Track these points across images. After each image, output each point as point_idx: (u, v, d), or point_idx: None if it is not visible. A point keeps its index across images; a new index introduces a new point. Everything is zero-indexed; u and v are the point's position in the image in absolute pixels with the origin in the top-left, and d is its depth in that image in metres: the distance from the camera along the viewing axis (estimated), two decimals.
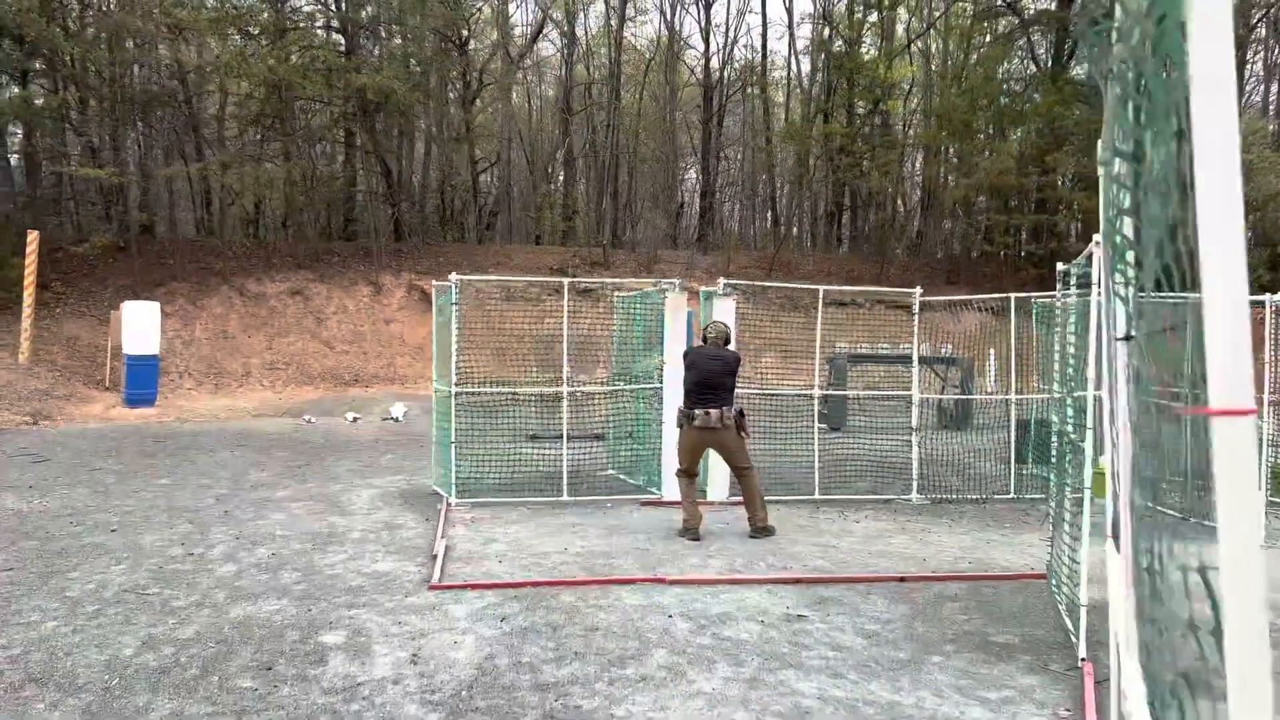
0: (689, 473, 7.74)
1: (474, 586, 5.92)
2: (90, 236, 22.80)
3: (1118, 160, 1.64)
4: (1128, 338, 1.54)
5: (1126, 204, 1.56)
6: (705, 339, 7.79)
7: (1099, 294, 2.53)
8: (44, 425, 14.66)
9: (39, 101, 24.25)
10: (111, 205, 24.36)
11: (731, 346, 7.97)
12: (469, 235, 31.82)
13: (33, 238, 18.75)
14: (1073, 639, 4.96)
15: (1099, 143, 2.50)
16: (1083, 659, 4.72)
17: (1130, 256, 1.51)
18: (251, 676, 4.36)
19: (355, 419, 15.92)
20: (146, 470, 10.37)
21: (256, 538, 7.23)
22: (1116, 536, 2.67)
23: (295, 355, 22.84)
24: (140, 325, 17.34)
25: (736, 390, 7.79)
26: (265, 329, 23.30)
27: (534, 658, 4.68)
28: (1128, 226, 1.53)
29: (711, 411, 7.37)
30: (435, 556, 6.59)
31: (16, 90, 24.44)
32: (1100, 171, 2.56)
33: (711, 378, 7.46)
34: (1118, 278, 1.45)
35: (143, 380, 17.29)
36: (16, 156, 27.05)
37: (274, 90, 25.18)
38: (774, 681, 4.44)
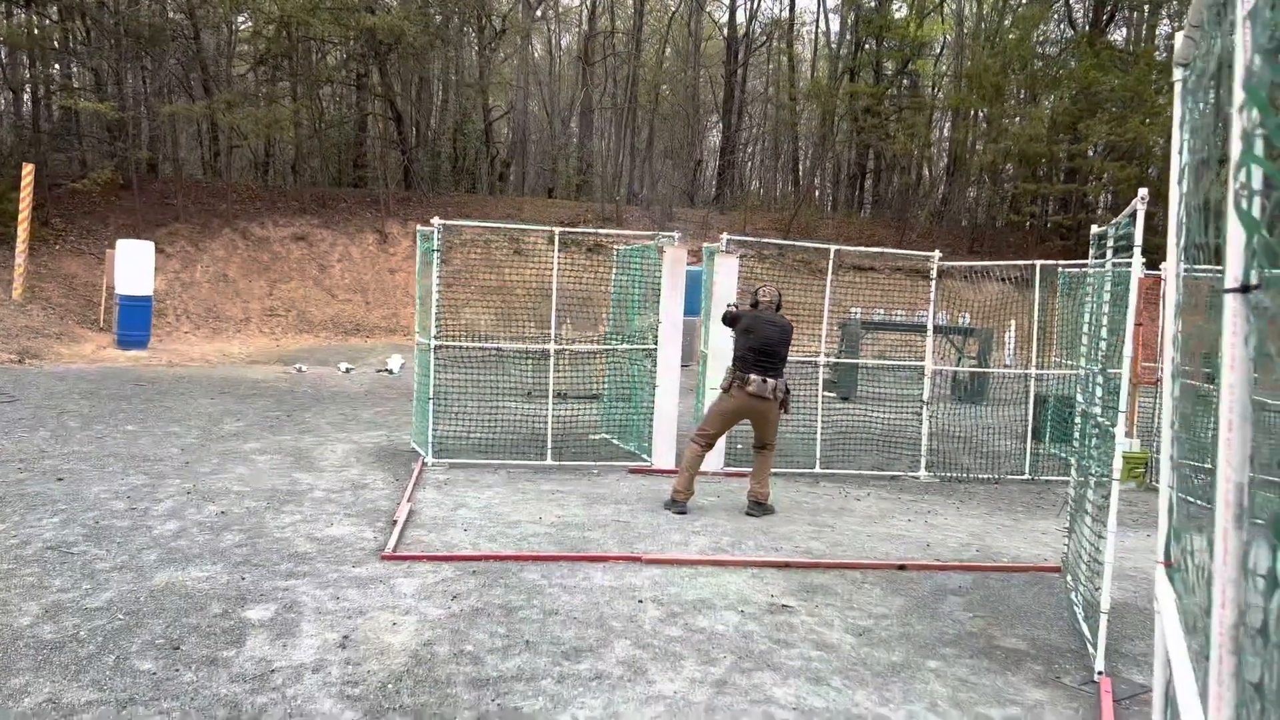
0: (710, 443, 7.18)
1: (429, 558, 5.40)
2: (90, 172, 22.24)
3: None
4: (1246, 289, 0.94)
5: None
6: (757, 303, 7.18)
7: (1177, 246, 1.92)
8: (29, 364, 14.23)
9: (44, 30, 23.59)
10: (116, 141, 23.78)
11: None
12: (480, 186, 31.10)
13: (27, 170, 18.20)
14: (1090, 647, 4.39)
15: (1179, 36, 1.88)
16: (1100, 672, 4.16)
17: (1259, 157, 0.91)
18: (154, 657, 3.86)
19: (348, 369, 15.43)
20: (117, 415, 9.90)
21: (210, 493, 6.74)
22: (1169, 560, 2.08)
23: (296, 302, 22.35)
24: (134, 264, 16.79)
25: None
26: (267, 274, 22.80)
27: (479, 646, 4.16)
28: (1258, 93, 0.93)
29: (769, 380, 6.82)
30: (395, 522, 6.08)
31: (23, 16, 23.75)
32: (1177, 75, 1.94)
33: (771, 346, 6.90)
34: (1245, 177, 0.87)
35: (136, 321, 16.80)
36: (27, 89, 26.43)
37: (282, 28, 24.41)
38: (746, 685, 3.91)
